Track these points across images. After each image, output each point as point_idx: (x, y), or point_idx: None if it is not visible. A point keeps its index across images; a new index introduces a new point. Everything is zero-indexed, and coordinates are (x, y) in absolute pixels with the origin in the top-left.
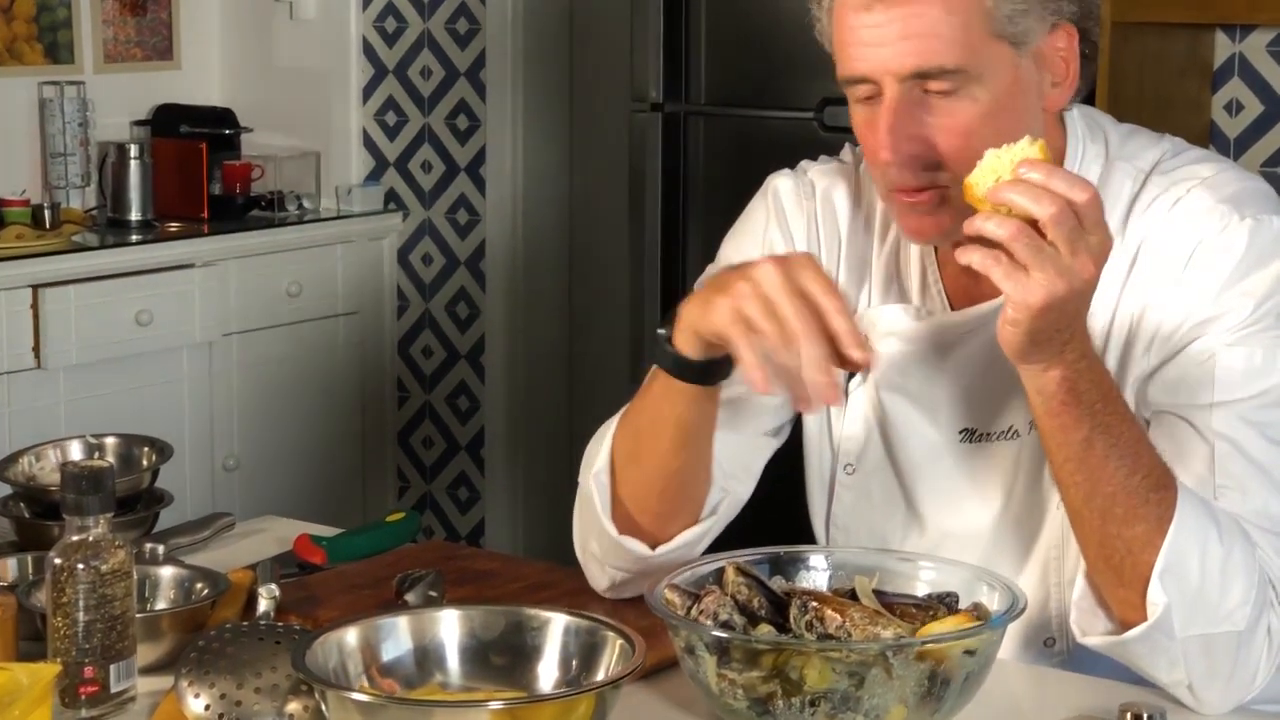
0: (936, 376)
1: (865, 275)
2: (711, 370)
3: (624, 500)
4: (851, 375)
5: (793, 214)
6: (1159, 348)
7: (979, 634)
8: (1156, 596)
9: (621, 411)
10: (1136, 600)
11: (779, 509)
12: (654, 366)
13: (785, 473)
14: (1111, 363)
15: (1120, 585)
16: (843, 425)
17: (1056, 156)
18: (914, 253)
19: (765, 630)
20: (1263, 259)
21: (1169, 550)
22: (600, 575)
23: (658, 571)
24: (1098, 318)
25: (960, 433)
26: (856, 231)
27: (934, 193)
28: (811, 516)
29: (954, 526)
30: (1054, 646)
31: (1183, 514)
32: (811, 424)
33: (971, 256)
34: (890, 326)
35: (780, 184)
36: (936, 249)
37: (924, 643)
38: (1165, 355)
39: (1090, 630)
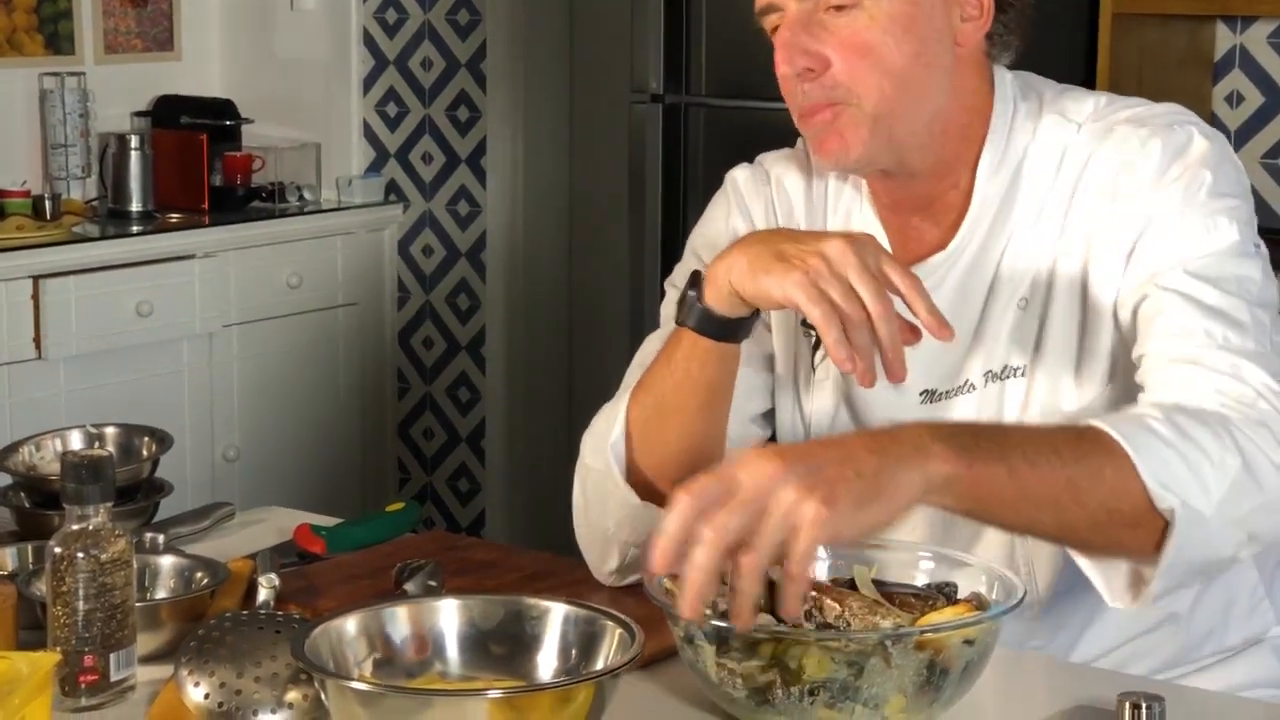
0: None
1: None
2: (738, 327)
3: (643, 469)
4: (816, 348)
5: (751, 201)
6: (1116, 263)
7: (978, 624)
8: (1166, 500)
9: (624, 391)
10: (1151, 522)
11: None
12: (670, 337)
13: None
14: (1073, 301)
15: (1130, 528)
16: (811, 401)
17: (981, 117)
18: (858, 219)
19: (764, 620)
20: (1180, 151)
21: (1143, 465)
22: (610, 555)
23: None
24: (1038, 267)
25: (920, 394)
26: (812, 210)
27: (835, 108)
28: None
29: None
30: (1024, 599)
31: (1122, 432)
32: (785, 406)
33: None
34: None
35: (737, 175)
36: (884, 216)
37: (922, 632)
38: (1123, 264)
39: (1126, 586)
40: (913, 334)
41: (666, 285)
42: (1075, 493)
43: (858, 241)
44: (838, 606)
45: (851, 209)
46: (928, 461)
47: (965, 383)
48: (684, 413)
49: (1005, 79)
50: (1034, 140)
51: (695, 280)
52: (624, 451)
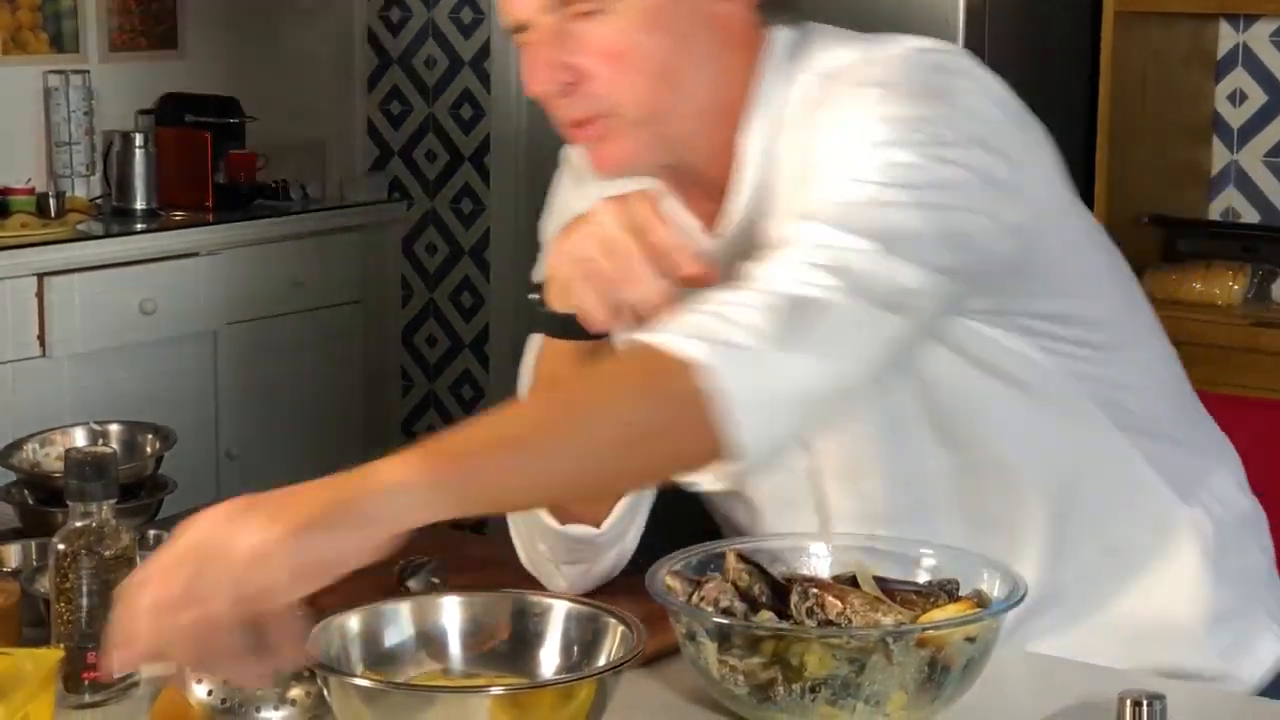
0: None
1: None
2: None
3: None
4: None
5: (589, 175)
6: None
7: (979, 620)
8: (691, 349)
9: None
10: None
11: None
12: (535, 351)
13: None
14: None
15: (680, 417)
16: None
17: (738, 89)
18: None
19: (766, 617)
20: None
21: (665, 339)
22: (556, 575)
23: (609, 548)
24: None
25: None
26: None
27: (603, 122)
28: None
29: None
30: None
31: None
32: None
33: None
34: None
35: (570, 150)
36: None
37: (924, 629)
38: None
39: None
40: (692, 278)
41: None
42: (596, 422)
43: (624, 199)
44: (839, 604)
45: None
46: (403, 478)
47: None
48: None
49: (777, 45)
50: (787, 105)
51: (539, 285)
52: None
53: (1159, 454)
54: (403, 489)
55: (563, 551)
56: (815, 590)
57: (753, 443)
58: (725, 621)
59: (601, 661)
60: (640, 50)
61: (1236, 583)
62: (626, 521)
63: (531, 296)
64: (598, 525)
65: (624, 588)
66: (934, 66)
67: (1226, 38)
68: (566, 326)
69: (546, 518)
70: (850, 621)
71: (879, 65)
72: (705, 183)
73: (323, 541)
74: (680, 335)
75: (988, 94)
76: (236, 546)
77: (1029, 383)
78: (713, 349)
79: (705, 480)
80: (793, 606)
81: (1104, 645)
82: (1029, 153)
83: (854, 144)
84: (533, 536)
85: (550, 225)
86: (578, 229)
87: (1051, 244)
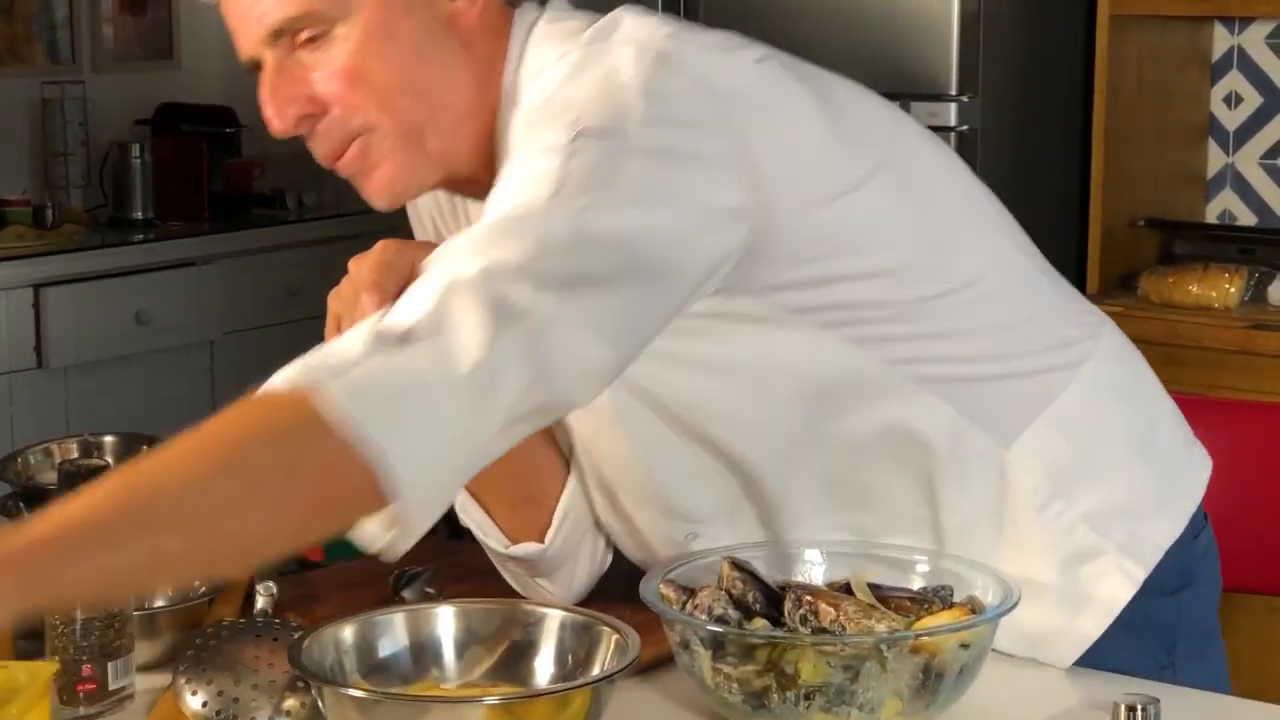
0: None
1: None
2: None
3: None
4: None
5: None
6: None
7: (972, 627)
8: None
9: None
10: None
11: None
12: None
13: None
14: None
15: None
16: None
17: (487, 85)
18: (459, 205)
19: (760, 624)
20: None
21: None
22: (539, 589)
23: (567, 560)
24: None
25: None
26: (442, 213)
27: (360, 146)
28: None
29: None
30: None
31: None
32: None
33: None
34: None
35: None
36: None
37: (918, 636)
38: None
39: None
40: None
41: None
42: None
43: (368, 254)
44: (833, 611)
45: (454, 211)
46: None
47: None
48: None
49: (520, 31)
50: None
51: None
52: (476, 508)
53: (977, 398)
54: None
55: (524, 569)
56: (809, 597)
57: (402, 454)
58: (719, 629)
59: (596, 670)
60: (373, 66)
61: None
62: (574, 526)
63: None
64: (542, 540)
65: (619, 596)
66: (641, 89)
67: (1221, 40)
68: None
69: (492, 543)
70: (844, 629)
71: (582, 86)
72: (481, 186)
73: None
74: (277, 378)
75: (696, 81)
76: None
77: (760, 368)
78: (311, 372)
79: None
80: (786, 614)
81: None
82: (754, 125)
83: (522, 159)
84: (500, 561)
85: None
86: (348, 275)
87: (815, 211)
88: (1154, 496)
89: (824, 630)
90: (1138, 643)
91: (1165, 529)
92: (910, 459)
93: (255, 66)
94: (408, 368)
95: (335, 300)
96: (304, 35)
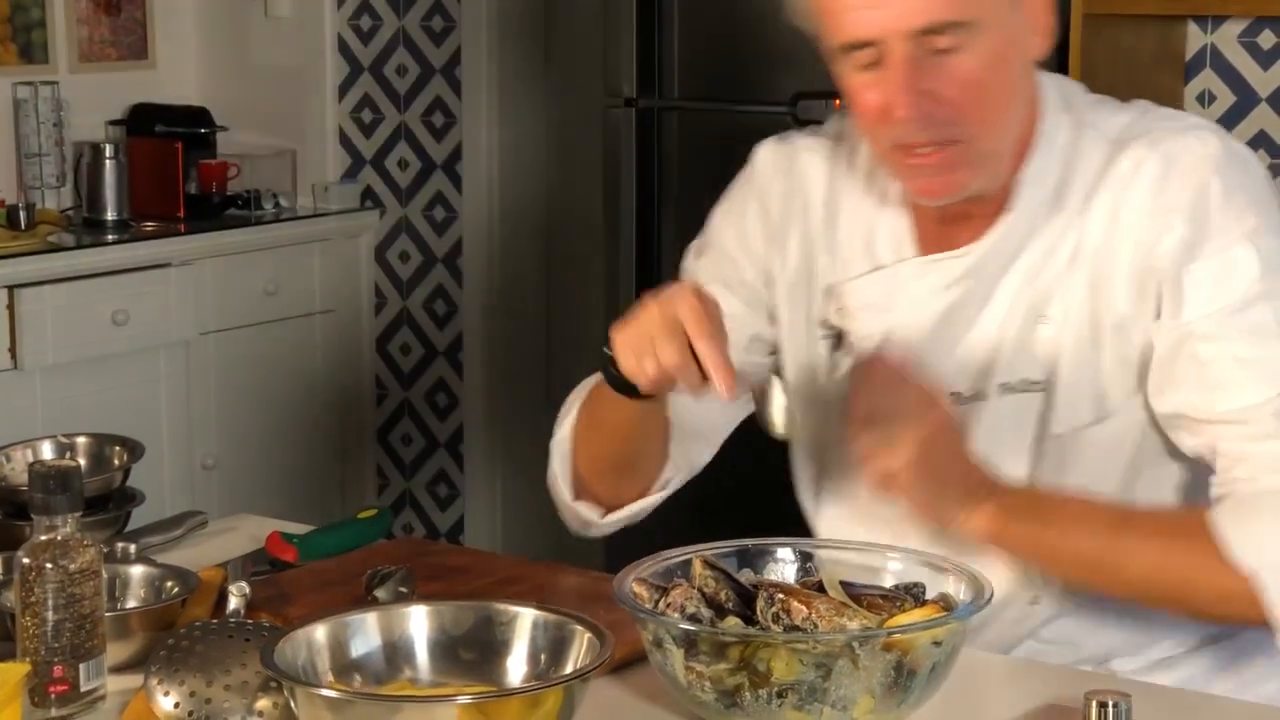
0: (922, 342)
1: (859, 240)
2: (637, 390)
3: (581, 469)
4: (836, 346)
5: (769, 184)
6: (1127, 293)
7: (944, 624)
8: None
9: (589, 383)
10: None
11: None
12: (583, 390)
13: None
14: (1090, 320)
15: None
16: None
17: (1030, 125)
18: (886, 218)
19: (732, 623)
20: (1178, 164)
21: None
22: (573, 522)
23: (611, 527)
24: (1063, 284)
25: (950, 395)
26: (833, 204)
27: (951, 150)
28: (797, 485)
29: None
30: (1039, 604)
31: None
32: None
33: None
34: (863, 299)
35: (761, 155)
36: (916, 213)
37: (890, 633)
38: (1133, 296)
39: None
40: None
41: (689, 250)
42: (1123, 570)
43: (668, 297)
44: (805, 609)
45: (878, 207)
46: (973, 514)
47: (979, 391)
48: (609, 440)
49: (1049, 88)
50: (1075, 154)
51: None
52: (569, 451)
53: None
54: (976, 530)
55: (566, 515)
56: (781, 596)
57: None
58: (691, 628)
59: (569, 669)
60: (994, 83)
61: None
62: (630, 521)
63: (605, 350)
64: (605, 513)
65: (591, 594)
66: (1231, 160)
67: (1195, 39)
68: (620, 382)
69: (564, 487)
70: (816, 626)
71: (1184, 169)
72: (960, 204)
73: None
74: (1247, 546)
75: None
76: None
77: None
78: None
79: None
80: (759, 612)
81: None
82: None
83: (1231, 302)
84: (558, 489)
85: (727, 226)
86: (628, 320)
87: None
88: None
89: (796, 628)
90: None
91: None
92: None
93: (856, 47)
94: None
95: (651, 322)
96: (943, 41)
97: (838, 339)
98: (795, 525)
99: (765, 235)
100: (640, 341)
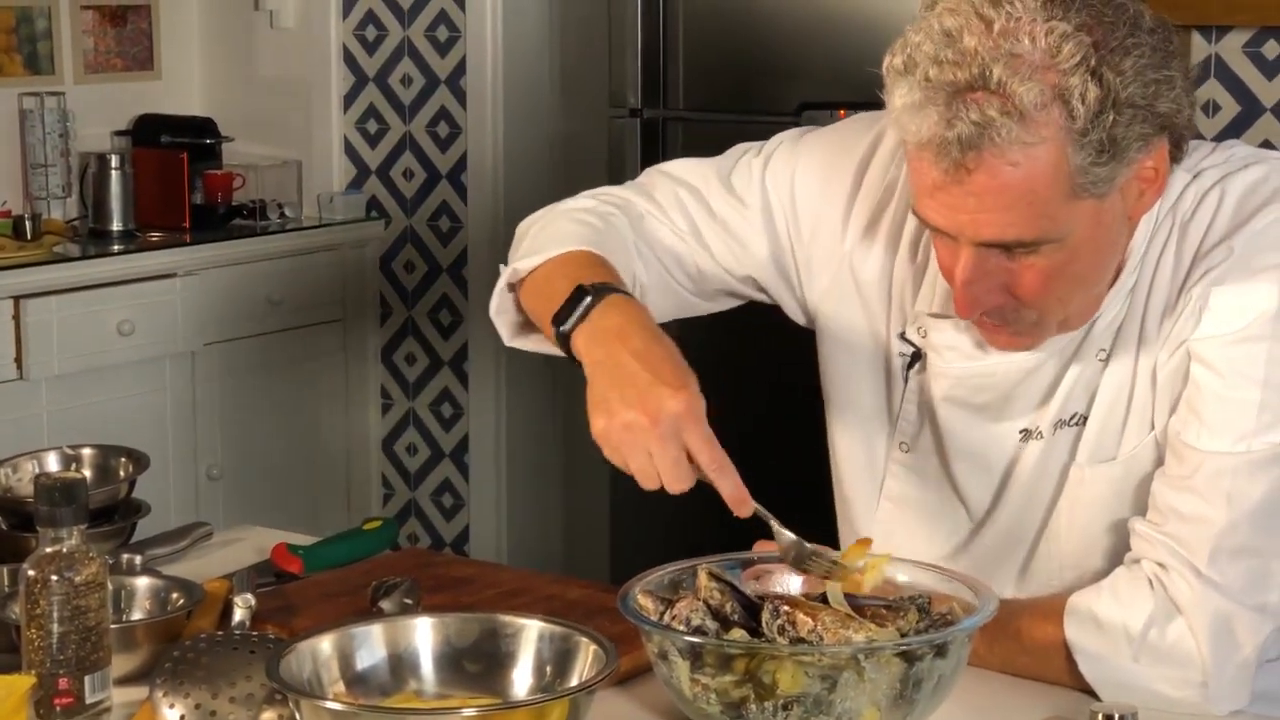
0: (1003, 388)
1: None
2: None
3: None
4: (912, 363)
5: (877, 175)
6: (1164, 350)
7: (950, 637)
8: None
9: (543, 252)
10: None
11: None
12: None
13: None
14: (1134, 357)
15: None
16: (900, 406)
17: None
18: None
19: (738, 635)
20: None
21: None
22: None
23: None
24: (1121, 322)
25: (1020, 433)
26: (902, 273)
27: (1021, 326)
28: (850, 489)
29: (1001, 517)
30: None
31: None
32: (868, 440)
33: None
34: (944, 340)
35: (888, 140)
36: None
37: (896, 646)
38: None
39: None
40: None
41: (744, 149)
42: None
43: (671, 419)
44: (810, 621)
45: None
46: None
47: (1037, 429)
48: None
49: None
50: (1176, 201)
51: (598, 291)
52: (511, 304)
53: None
54: None
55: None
56: (786, 608)
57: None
58: (697, 640)
59: (574, 681)
60: (1075, 268)
61: None
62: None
63: (587, 299)
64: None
65: (597, 606)
66: None
67: (1199, 49)
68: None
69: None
70: (821, 638)
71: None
72: None
73: None
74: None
75: None
76: None
77: None
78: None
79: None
80: (764, 624)
81: None
82: None
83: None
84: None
85: (817, 147)
86: (622, 427)
87: None
88: None
89: (802, 640)
90: None
91: None
92: None
93: (935, 228)
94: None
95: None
96: (1018, 250)
97: (915, 356)
98: (804, 533)
99: (844, 206)
100: (632, 450)
